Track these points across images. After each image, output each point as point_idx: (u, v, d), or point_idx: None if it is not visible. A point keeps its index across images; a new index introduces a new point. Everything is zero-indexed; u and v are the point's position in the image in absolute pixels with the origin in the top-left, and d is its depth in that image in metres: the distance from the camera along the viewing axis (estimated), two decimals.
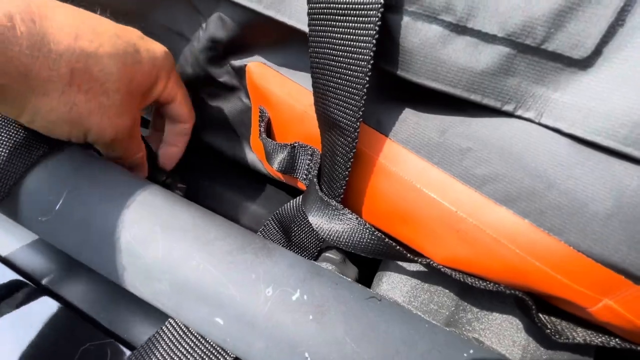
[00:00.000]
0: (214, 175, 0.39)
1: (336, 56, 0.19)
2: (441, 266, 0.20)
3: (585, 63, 0.17)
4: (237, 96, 0.35)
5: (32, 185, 0.25)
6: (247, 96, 0.34)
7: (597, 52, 0.16)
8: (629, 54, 0.16)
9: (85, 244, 0.24)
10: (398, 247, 0.20)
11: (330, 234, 0.23)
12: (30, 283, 0.29)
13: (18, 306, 0.28)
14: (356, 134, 0.20)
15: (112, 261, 0.23)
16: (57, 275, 0.30)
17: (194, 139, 0.36)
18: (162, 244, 0.22)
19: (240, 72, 0.32)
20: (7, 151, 0.25)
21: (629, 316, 0.16)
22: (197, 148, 0.39)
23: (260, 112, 0.31)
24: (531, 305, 0.18)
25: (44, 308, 0.28)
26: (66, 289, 0.29)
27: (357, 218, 0.21)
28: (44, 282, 0.30)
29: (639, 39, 0.16)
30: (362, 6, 0.18)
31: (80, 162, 0.26)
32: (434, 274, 0.23)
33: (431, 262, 0.20)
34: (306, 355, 0.19)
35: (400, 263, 0.24)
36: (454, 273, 0.19)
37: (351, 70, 0.19)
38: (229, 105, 0.36)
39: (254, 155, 0.37)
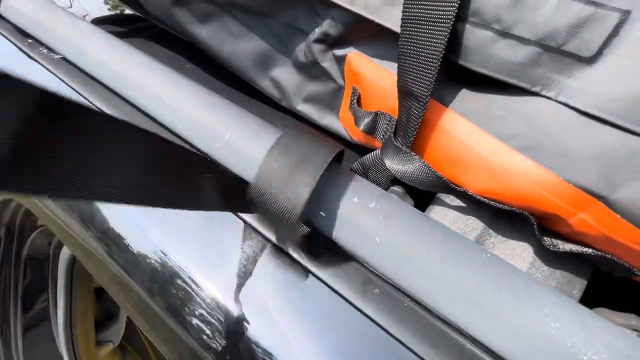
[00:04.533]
0: None
1: (419, 48, 0.29)
2: (474, 194, 0.29)
3: (590, 60, 0.25)
4: (332, 78, 0.46)
5: None
6: (342, 78, 0.45)
7: (599, 52, 0.24)
8: (620, 54, 0.24)
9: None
10: (446, 179, 0.30)
11: (399, 172, 0.33)
12: None
13: None
14: (427, 99, 0.30)
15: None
16: None
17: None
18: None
19: (340, 59, 0.43)
20: None
21: (596, 225, 0.24)
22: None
23: (353, 90, 0.42)
24: (532, 222, 0.27)
25: None
26: None
27: (419, 159, 0.31)
28: None
29: (628, 45, 0.23)
30: (442, 17, 0.28)
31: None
32: (470, 208, 0.32)
33: (467, 192, 0.30)
34: (377, 239, 0.30)
35: (445, 199, 0.34)
36: (481, 198, 0.29)
37: (428, 57, 0.29)
38: (325, 85, 0.48)
39: (340, 125, 0.48)
